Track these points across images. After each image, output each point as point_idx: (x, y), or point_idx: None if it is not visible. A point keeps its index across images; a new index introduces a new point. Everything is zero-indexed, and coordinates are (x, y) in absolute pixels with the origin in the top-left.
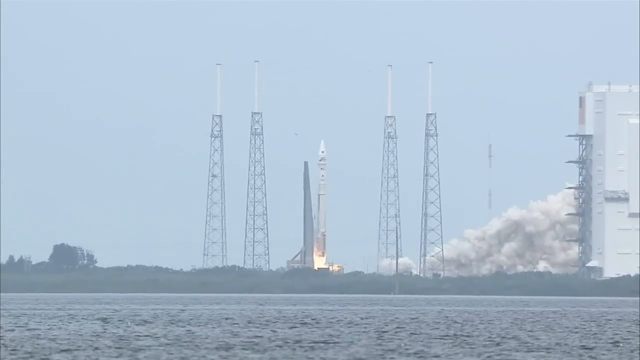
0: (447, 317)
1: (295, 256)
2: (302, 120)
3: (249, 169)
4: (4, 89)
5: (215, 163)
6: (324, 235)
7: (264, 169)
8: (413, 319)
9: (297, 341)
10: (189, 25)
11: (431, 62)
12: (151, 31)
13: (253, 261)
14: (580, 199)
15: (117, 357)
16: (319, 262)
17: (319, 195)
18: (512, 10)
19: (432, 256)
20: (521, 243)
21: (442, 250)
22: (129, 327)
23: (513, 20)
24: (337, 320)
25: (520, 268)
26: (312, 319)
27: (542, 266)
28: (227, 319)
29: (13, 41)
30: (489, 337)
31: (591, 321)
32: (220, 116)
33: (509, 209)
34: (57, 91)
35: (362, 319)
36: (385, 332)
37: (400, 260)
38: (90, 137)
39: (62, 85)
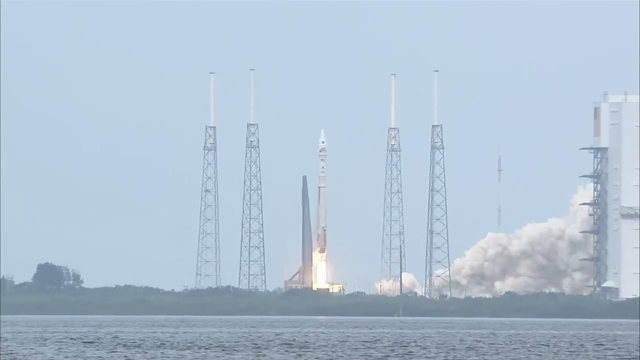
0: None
1: (294, 276)
2: (301, 132)
3: (245, 184)
4: None
5: (209, 177)
6: (325, 230)
7: (260, 184)
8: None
9: None
10: (180, 31)
11: (437, 71)
12: (139, 37)
13: (249, 281)
14: (595, 216)
15: None
16: (319, 258)
17: (319, 187)
18: (523, 17)
19: (439, 276)
20: (532, 262)
21: (449, 269)
22: (116, 350)
23: (524, 27)
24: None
25: (532, 289)
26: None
27: (555, 287)
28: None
29: None
30: None
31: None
32: (214, 128)
33: (520, 226)
34: (42, 108)
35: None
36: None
37: (404, 275)
38: (75, 152)
39: (48, 101)
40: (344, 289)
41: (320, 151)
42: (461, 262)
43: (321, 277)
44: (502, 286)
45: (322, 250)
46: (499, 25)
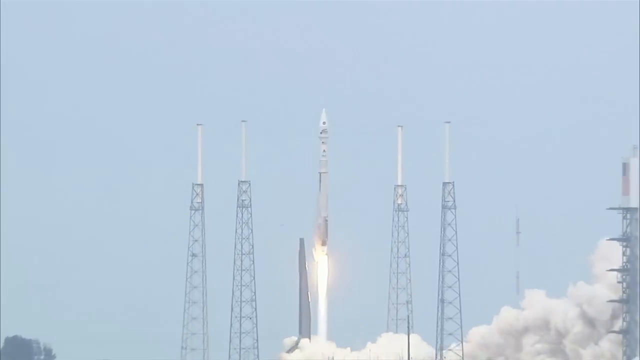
0: None
1: (290, 349)
2: (298, 190)
3: (235, 248)
4: None
5: (196, 240)
6: (326, 220)
7: (252, 248)
8: None
9: None
10: (164, 78)
11: (448, 122)
12: (118, 84)
13: (240, 356)
14: (624, 283)
15: None
16: (320, 252)
17: (320, 173)
18: (544, 65)
19: (450, 350)
20: (554, 336)
21: (462, 343)
22: None
23: (545, 75)
24: None
25: None
26: None
27: None
28: None
29: None
30: None
31: None
32: (201, 185)
33: (538, 295)
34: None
35: None
36: None
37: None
38: (50, 213)
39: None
40: None
41: (321, 133)
42: (477, 331)
43: (322, 275)
44: None
45: (323, 243)
46: (517, 73)
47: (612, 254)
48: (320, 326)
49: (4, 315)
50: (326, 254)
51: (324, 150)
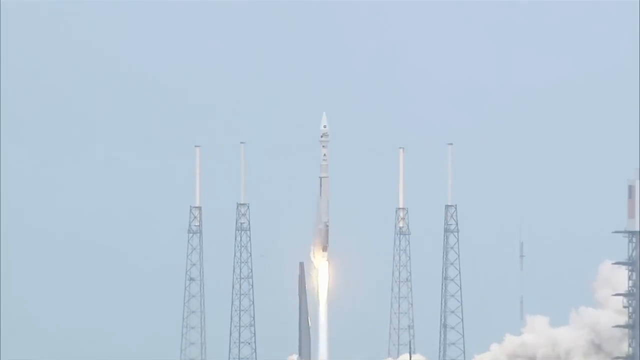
0: None
1: None
2: (297, 213)
3: (234, 272)
4: None
5: (193, 264)
6: (327, 226)
7: (251, 271)
8: None
9: None
10: (161, 99)
11: (451, 144)
12: (113, 106)
13: None
14: (630, 308)
15: None
16: (320, 258)
17: (320, 178)
18: (547, 84)
19: None
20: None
21: None
22: None
23: (547, 95)
24: None
25: None
26: None
27: None
28: None
29: None
30: None
31: None
32: (199, 208)
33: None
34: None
35: None
36: None
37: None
38: (39, 244)
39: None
40: None
41: (322, 136)
42: (480, 359)
43: (323, 280)
44: None
45: (324, 249)
46: (519, 93)
47: (615, 278)
48: (321, 350)
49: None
50: (327, 260)
51: (325, 155)
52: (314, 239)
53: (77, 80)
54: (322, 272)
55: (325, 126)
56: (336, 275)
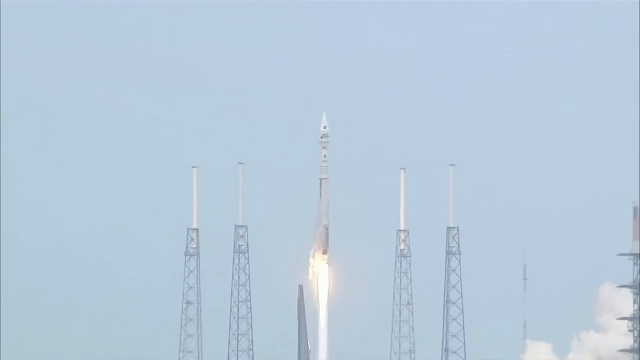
0: None
1: None
2: (296, 236)
3: (232, 295)
4: None
5: (190, 287)
6: (327, 228)
7: (249, 295)
8: None
9: None
10: (157, 119)
11: (453, 165)
12: (109, 125)
13: None
14: (635, 332)
15: None
16: (320, 261)
17: (320, 179)
18: (552, 104)
19: None
20: None
21: None
22: None
23: (551, 115)
24: None
25: None
26: None
27: None
28: None
29: None
30: None
31: None
32: (197, 230)
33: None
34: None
35: None
36: None
37: None
38: (31, 261)
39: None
40: None
41: (322, 137)
42: None
43: (323, 284)
44: None
45: (324, 252)
46: (523, 114)
47: (616, 301)
48: (321, 354)
49: None
50: (327, 263)
51: (325, 156)
52: (314, 242)
53: (73, 100)
54: (322, 275)
55: (325, 127)
56: (336, 280)
